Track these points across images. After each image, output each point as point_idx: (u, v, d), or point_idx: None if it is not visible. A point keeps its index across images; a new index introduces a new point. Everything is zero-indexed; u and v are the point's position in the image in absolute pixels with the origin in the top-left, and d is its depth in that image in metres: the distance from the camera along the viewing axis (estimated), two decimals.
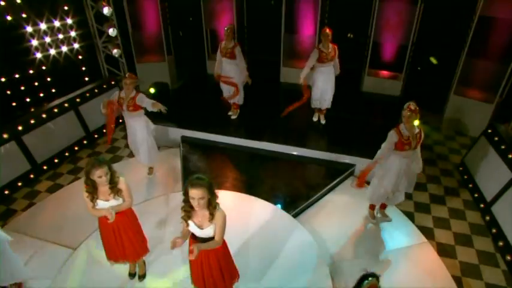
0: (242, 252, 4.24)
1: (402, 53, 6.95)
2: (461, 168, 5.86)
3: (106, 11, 6.88)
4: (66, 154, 6.35)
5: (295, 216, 4.81)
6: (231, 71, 6.09)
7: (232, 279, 3.42)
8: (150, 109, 4.90)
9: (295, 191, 5.23)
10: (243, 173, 5.68)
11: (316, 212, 5.03)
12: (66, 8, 6.68)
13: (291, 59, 7.79)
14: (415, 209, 5.22)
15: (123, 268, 4.01)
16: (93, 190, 3.24)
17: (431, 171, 5.94)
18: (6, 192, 5.47)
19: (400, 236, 4.68)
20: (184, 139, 6.23)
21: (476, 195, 5.30)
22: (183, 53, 8.51)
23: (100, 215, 3.31)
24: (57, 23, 6.60)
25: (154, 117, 6.50)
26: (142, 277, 4.01)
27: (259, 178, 5.50)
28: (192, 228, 3.00)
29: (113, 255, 3.71)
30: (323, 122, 6.45)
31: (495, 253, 4.53)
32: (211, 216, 2.90)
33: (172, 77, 8.37)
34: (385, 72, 7.34)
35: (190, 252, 2.82)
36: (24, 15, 6.17)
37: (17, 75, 6.26)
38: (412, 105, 3.93)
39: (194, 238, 3.07)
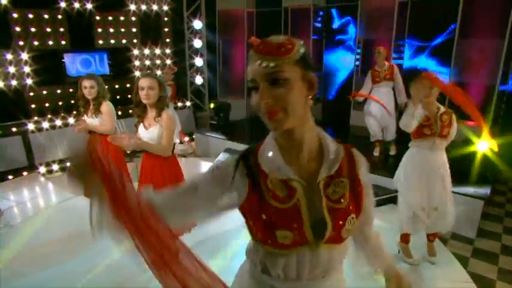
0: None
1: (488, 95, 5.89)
2: None
3: (197, 44, 8.01)
4: None
5: None
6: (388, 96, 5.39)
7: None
8: None
9: None
10: None
11: None
12: (167, 40, 8.07)
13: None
14: (472, 254, 3.87)
15: None
16: (83, 103, 3.50)
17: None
18: None
19: (432, 270, 3.45)
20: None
21: None
22: None
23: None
24: (157, 51, 7.97)
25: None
26: None
27: None
28: (140, 130, 2.87)
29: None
30: (393, 153, 5.54)
31: None
32: (158, 113, 2.77)
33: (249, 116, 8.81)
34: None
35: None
36: (135, 41, 7.70)
37: (116, 86, 7.60)
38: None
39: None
